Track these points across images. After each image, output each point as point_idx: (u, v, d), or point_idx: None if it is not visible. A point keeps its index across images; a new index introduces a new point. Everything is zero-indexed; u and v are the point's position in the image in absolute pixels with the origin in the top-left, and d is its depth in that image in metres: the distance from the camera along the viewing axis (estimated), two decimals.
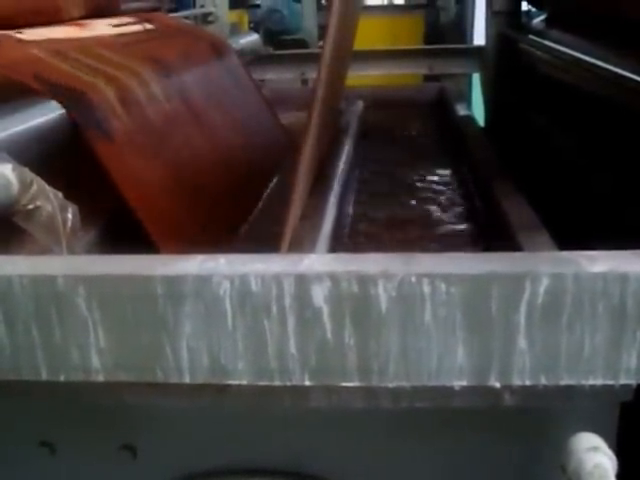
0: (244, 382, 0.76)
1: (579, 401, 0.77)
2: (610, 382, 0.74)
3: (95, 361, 0.78)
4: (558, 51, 1.96)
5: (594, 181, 1.53)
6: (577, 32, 1.98)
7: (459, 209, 1.65)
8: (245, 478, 0.99)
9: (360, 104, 2.56)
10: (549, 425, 0.88)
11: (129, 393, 0.82)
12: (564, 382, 0.74)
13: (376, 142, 2.30)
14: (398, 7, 8.48)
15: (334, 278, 0.71)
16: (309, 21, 5.91)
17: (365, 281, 0.71)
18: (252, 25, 6.31)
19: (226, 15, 3.87)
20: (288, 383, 0.76)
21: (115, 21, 1.86)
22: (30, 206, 0.96)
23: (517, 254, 0.80)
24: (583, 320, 0.71)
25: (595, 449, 0.74)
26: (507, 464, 0.93)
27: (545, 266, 0.71)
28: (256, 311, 0.73)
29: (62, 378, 0.79)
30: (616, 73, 1.51)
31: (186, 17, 3.54)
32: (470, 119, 2.35)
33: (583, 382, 0.74)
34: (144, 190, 1.27)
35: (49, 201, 0.99)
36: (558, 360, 0.73)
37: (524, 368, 0.73)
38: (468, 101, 3.12)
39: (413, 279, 0.70)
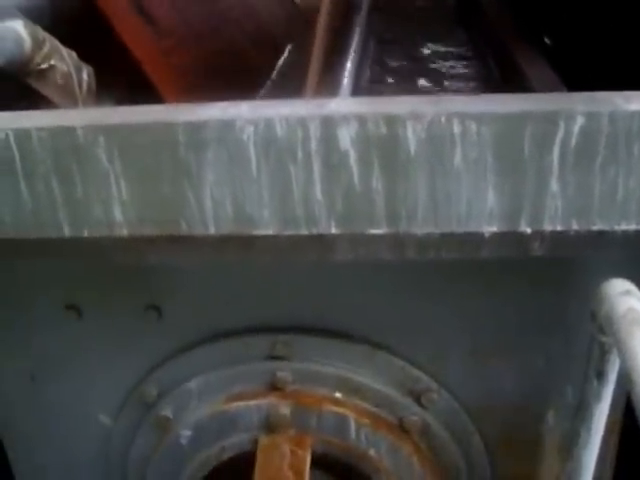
0: (270, 232, 0.75)
1: (610, 248, 0.75)
2: None
3: (118, 214, 0.76)
4: None
5: (614, 39, 1.47)
6: None
7: (478, 71, 1.61)
8: (271, 335, 1.00)
9: None
10: (579, 274, 0.87)
11: (153, 249, 0.80)
12: (596, 227, 0.72)
13: (390, 15, 2.23)
14: None
15: (361, 119, 0.69)
16: None
17: (393, 122, 0.68)
18: None
19: None
20: (314, 231, 0.74)
21: None
22: (44, 65, 0.94)
23: (550, 94, 0.77)
24: (618, 161, 0.69)
25: (628, 293, 0.73)
26: (535, 315, 0.93)
27: (580, 105, 0.68)
28: (281, 156, 0.71)
29: (85, 234, 0.78)
30: None
31: None
32: None
33: (615, 227, 0.72)
34: (154, 53, 1.23)
35: (64, 61, 0.96)
36: (591, 203, 0.71)
37: (556, 212, 0.71)
38: None
39: (443, 119, 0.68)
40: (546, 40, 1.84)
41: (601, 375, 0.81)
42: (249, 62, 1.61)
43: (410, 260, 0.78)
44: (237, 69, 1.53)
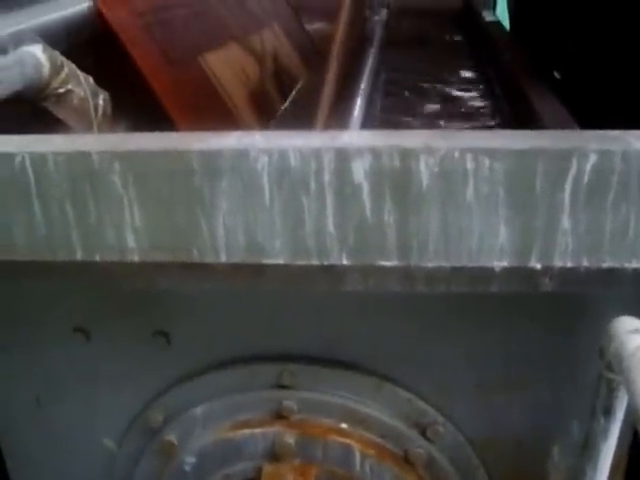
0: (280, 262, 0.75)
1: (620, 285, 0.75)
2: None
3: (130, 240, 0.77)
4: None
5: (626, 79, 1.48)
6: None
7: (489, 108, 1.62)
8: (278, 364, 1.00)
9: (385, 12, 2.50)
10: (588, 311, 0.87)
11: (164, 275, 0.80)
12: (606, 264, 0.72)
13: (402, 48, 2.25)
14: None
15: (375, 153, 0.69)
16: None
17: (407, 156, 0.69)
18: None
19: None
20: (325, 262, 0.75)
21: None
22: (61, 90, 0.95)
23: (564, 131, 0.77)
24: (629, 200, 0.69)
25: (637, 331, 0.73)
26: (543, 350, 0.93)
27: (593, 143, 0.68)
28: (294, 187, 0.71)
29: (97, 258, 0.78)
30: None
31: None
32: (498, 25, 2.31)
33: (626, 265, 0.72)
34: (170, 83, 1.24)
35: (80, 85, 0.97)
36: (602, 241, 0.71)
37: (566, 249, 0.72)
38: (494, 8, 3.04)
39: (456, 154, 0.68)
40: (555, 74, 1.85)
41: (608, 412, 0.81)
42: (264, 89, 1.62)
43: (419, 293, 0.78)
44: (250, 95, 1.54)
